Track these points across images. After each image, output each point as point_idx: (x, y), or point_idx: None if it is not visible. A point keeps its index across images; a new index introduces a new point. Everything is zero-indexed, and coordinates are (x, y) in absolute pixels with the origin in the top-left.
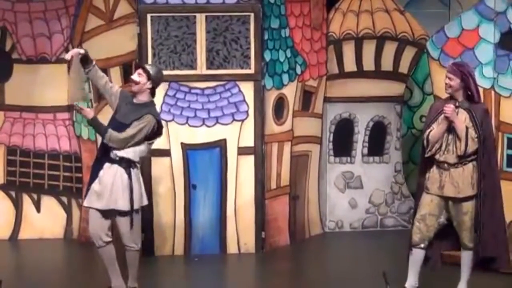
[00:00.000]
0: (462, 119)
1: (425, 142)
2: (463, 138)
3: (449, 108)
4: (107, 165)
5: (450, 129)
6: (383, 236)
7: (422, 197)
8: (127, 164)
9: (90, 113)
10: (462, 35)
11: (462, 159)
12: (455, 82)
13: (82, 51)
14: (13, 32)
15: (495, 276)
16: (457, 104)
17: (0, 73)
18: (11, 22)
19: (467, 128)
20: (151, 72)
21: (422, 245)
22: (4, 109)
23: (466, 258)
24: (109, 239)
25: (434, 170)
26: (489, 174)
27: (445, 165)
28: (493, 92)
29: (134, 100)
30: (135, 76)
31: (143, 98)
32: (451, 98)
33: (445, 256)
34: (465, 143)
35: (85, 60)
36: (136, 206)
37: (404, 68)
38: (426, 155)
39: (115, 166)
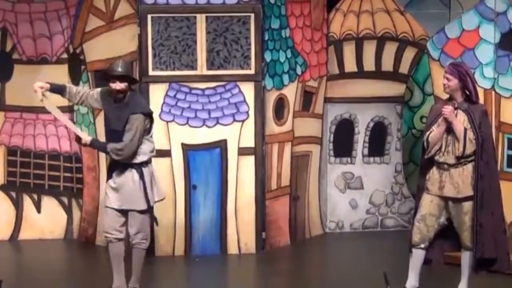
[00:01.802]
0: (460, 120)
1: (425, 143)
2: (461, 139)
3: (447, 109)
4: (120, 167)
5: (450, 130)
6: (384, 236)
7: (422, 197)
8: (137, 165)
9: (87, 139)
10: (462, 36)
11: (461, 159)
12: (453, 82)
13: (47, 85)
14: (14, 33)
15: (495, 276)
16: (456, 105)
17: (0, 73)
18: (12, 23)
19: (465, 129)
20: (126, 73)
21: (423, 246)
22: (5, 110)
23: (466, 258)
24: (121, 236)
25: (434, 171)
26: (488, 175)
27: (445, 165)
28: (493, 93)
29: (117, 101)
30: (119, 86)
31: (125, 93)
32: (451, 99)
33: (445, 256)
34: (463, 144)
35: (57, 90)
36: (152, 204)
37: (404, 68)
38: (426, 157)
39: (127, 168)
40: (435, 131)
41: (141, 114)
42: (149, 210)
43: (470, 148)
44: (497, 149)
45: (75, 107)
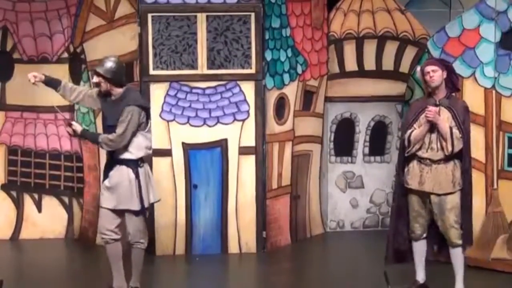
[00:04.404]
0: (444, 118)
1: (406, 142)
2: (449, 138)
3: (431, 112)
4: (116, 166)
5: (433, 127)
6: (384, 235)
7: (408, 199)
8: (134, 164)
9: (77, 127)
10: (463, 35)
11: (448, 157)
12: (438, 73)
13: (42, 76)
14: (14, 32)
15: (495, 276)
16: (437, 102)
17: (1, 73)
18: (12, 22)
19: (451, 128)
20: (101, 71)
21: (424, 235)
22: (5, 109)
23: (458, 255)
24: (117, 237)
25: (414, 166)
26: (467, 170)
27: (428, 161)
28: (494, 92)
29: (112, 98)
30: (94, 80)
31: (115, 92)
32: (430, 96)
33: (446, 256)
34: (451, 143)
35: (51, 83)
36: (146, 205)
37: (405, 67)
38: (407, 155)
39: (123, 167)
40: (418, 131)
41: (135, 107)
42: (143, 211)
43: (458, 146)
44: (498, 148)
45: (76, 106)
